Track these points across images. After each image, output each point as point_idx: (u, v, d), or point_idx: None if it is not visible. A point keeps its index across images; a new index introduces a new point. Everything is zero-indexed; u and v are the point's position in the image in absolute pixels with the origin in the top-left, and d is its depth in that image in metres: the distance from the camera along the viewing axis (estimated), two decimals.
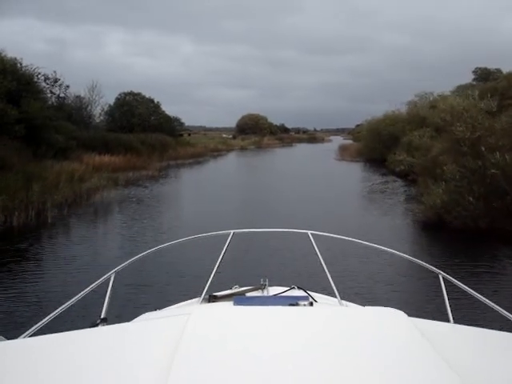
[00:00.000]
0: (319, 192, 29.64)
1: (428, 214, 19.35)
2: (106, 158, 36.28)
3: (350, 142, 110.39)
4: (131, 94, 69.58)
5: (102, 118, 64.04)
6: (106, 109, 64.90)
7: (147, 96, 69.61)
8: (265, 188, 33.18)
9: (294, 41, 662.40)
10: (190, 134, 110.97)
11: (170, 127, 67.64)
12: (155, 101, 69.57)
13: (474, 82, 55.36)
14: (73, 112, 50.06)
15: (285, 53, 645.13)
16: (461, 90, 53.49)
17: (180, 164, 52.74)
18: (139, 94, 69.77)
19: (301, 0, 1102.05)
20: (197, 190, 32.30)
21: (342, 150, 75.84)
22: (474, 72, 57.81)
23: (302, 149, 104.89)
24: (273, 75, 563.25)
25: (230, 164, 60.90)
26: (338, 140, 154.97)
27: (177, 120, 74.61)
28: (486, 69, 56.68)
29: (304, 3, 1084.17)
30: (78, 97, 53.23)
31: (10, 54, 33.88)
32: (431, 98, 52.74)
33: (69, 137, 35.26)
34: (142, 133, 57.21)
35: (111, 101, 65.45)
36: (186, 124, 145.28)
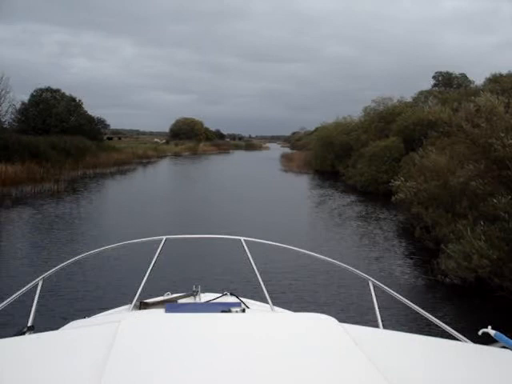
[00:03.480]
0: (270, 220, 22.31)
1: (461, 274, 12.30)
2: None
3: (290, 150, 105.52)
4: (49, 90, 60.99)
5: (13, 116, 55.32)
6: (18, 106, 56.31)
7: (68, 94, 60.92)
8: (204, 211, 25.33)
9: (238, 47, 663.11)
10: (120, 138, 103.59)
11: (92, 129, 59.15)
12: (77, 99, 60.94)
13: (436, 88, 49.76)
14: None
15: (227, 59, 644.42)
16: (423, 96, 48.15)
17: (99, 174, 44.24)
18: (58, 90, 61.10)
19: (247, 7, 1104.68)
20: (108, 216, 24.49)
21: (287, 159, 69.38)
22: (434, 77, 52.29)
23: (241, 157, 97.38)
24: (213, 81, 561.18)
25: (159, 175, 52.21)
26: (276, 148, 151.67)
27: (101, 121, 65.95)
28: (447, 73, 51.28)
29: (250, 10, 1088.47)
30: None
31: None
32: (389, 104, 46.40)
33: None
34: (59, 135, 48.81)
35: None
36: (119, 127, 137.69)
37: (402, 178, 19.15)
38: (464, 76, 50.44)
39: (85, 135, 53.19)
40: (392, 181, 20.20)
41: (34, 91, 59.11)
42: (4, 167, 28.45)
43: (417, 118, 35.72)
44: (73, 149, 43.75)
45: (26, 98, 59.02)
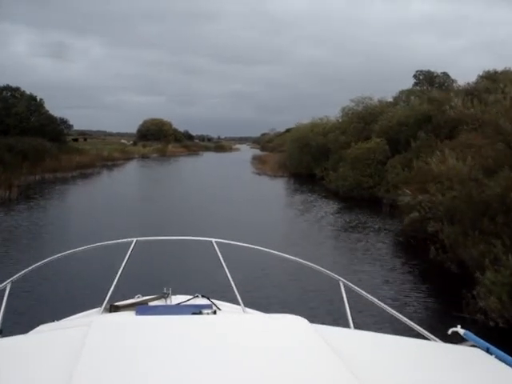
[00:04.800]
0: (250, 237, 19.41)
1: (508, 316, 9.63)
2: None
3: (261, 152, 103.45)
4: (8, 88, 57.20)
5: None
6: None
7: (28, 92, 57.24)
8: (171, 227, 21.69)
9: (209, 48, 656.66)
10: (86, 139, 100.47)
11: (54, 130, 55.45)
12: (38, 98, 57.28)
13: (418, 87, 47.65)
14: None
15: (198, 60, 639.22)
16: (404, 95, 45.97)
17: (59, 178, 40.55)
18: (18, 89, 57.45)
19: (218, 8, 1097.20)
20: (63, 227, 21.29)
21: (259, 162, 66.68)
22: (414, 76, 50.12)
23: (210, 158, 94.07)
24: (184, 82, 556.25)
25: (126, 178, 48.30)
26: (246, 149, 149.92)
27: (63, 122, 62.28)
28: (429, 72, 49.16)
29: (222, 11, 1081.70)
30: None
31: None
32: (369, 104, 44.10)
33: None
34: (19, 136, 45.30)
35: None
36: (87, 129, 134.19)
37: (407, 191, 16.39)
38: (446, 74, 48.36)
39: (46, 136, 49.58)
40: (400, 196, 17.38)
41: None
42: None
43: (403, 117, 33.51)
44: (30, 151, 40.25)
45: None
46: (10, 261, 14.61)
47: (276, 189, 40.70)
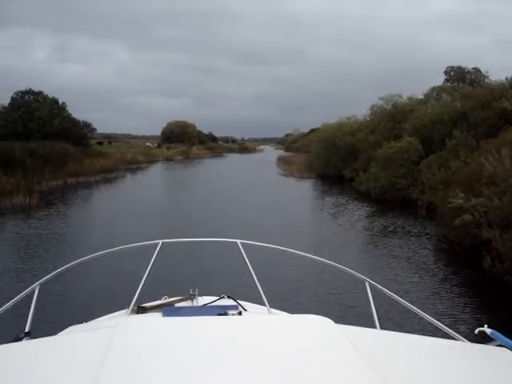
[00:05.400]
0: (285, 243, 18.11)
1: None
2: None
3: (285, 153, 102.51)
4: (30, 92, 56.69)
5: None
6: None
7: (51, 96, 56.67)
8: (198, 231, 20.15)
9: (230, 50, 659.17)
10: (110, 143, 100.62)
11: (77, 134, 54.84)
12: (60, 102, 56.68)
13: (449, 83, 46.05)
14: None
15: (219, 62, 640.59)
16: (435, 91, 44.46)
17: (82, 183, 39.51)
18: (40, 92, 56.86)
19: (238, 9, 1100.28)
20: (83, 236, 20.10)
21: (285, 163, 65.49)
22: (445, 72, 48.53)
23: (235, 160, 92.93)
24: (205, 84, 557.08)
25: (150, 182, 46.41)
26: (270, 150, 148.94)
27: (87, 125, 61.66)
28: (460, 68, 47.56)
29: (241, 13, 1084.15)
30: None
31: None
32: (399, 102, 42.63)
33: None
34: (41, 140, 44.71)
35: None
36: (112, 132, 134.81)
37: (461, 195, 14.95)
38: (478, 70, 46.72)
39: (69, 140, 48.92)
40: (451, 199, 15.94)
41: (15, 94, 54.88)
42: None
43: (436, 115, 32.05)
44: (52, 155, 39.46)
45: None
46: (21, 275, 13.61)
47: (304, 191, 39.39)
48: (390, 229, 21.29)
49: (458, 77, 47.27)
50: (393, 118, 40.28)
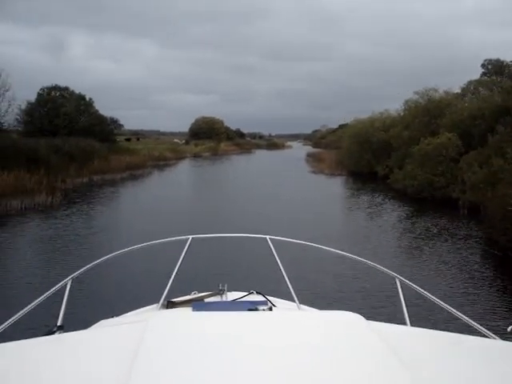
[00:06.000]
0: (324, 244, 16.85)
1: None
2: None
3: (313, 149, 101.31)
4: (57, 88, 56.28)
5: (17, 117, 50.72)
6: (24, 107, 51.72)
7: (77, 92, 56.14)
8: (229, 228, 19.39)
9: (258, 46, 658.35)
10: (138, 139, 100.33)
11: (104, 130, 54.20)
12: (87, 98, 56.10)
13: (486, 77, 44.24)
14: None
15: (248, 58, 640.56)
16: (472, 85, 42.72)
17: (107, 180, 38.42)
18: (67, 88, 56.40)
19: (266, 5, 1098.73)
20: (104, 239, 18.94)
21: (315, 159, 64.11)
22: (482, 66, 46.64)
23: (264, 157, 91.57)
24: (233, 80, 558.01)
25: (177, 180, 44.70)
26: (298, 146, 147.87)
27: (114, 121, 60.96)
28: (498, 60, 45.62)
29: (270, 9, 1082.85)
30: None
31: None
32: (435, 96, 40.99)
33: None
34: (67, 137, 44.04)
35: None
36: (140, 128, 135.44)
37: None
38: None
39: (96, 136, 48.23)
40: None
41: (41, 90, 54.41)
42: None
43: (476, 109, 30.51)
44: (78, 152, 38.64)
45: None
46: (31, 282, 12.60)
47: (336, 189, 38.05)
48: (433, 231, 19.89)
49: (496, 70, 45.34)
50: (428, 113, 38.74)
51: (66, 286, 3.42)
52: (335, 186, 39.64)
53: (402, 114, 45.61)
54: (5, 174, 24.58)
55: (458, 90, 42.80)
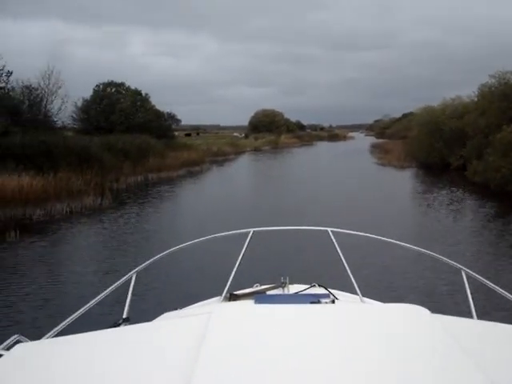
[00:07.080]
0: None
1: None
2: (13, 182, 20.60)
3: (376, 139, 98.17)
4: (112, 84, 55.04)
5: (73, 115, 49.71)
6: (79, 104, 50.67)
7: (133, 87, 54.79)
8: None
9: (318, 37, 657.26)
10: (198, 133, 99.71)
11: (161, 126, 52.73)
12: (143, 93, 54.74)
13: None
14: (23, 108, 35.38)
15: (307, 49, 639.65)
16: None
17: (163, 178, 36.25)
18: (122, 84, 55.14)
19: None
20: (155, 250, 16.95)
21: (381, 150, 60.93)
22: None
23: (326, 149, 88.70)
24: (292, 72, 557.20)
25: (236, 176, 42.75)
26: (360, 137, 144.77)
27: (171, 117, 59.45)
28: None
29: None
30: (27, 87, 37.82)
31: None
32: None
33: None
34: (123, 134, 42.69)
35: None
36: (201, 123, 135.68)
37: None
38: None
39: (152, 133, 46.68)
40: None
41: (96, 86, 53.28)
42: (30, 179, 21.40)
43: None
44: (133, 149, 36.96)
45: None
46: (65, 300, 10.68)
47: (409, 182, 35.51)
48: None
49: None
50: (505, 98, 35.35)
51: (130, 279, 3.47)
52: (407, 180, 37.14)
53: (475, 99, 42.24)
54: (51, 176, 22.86)
55: None
